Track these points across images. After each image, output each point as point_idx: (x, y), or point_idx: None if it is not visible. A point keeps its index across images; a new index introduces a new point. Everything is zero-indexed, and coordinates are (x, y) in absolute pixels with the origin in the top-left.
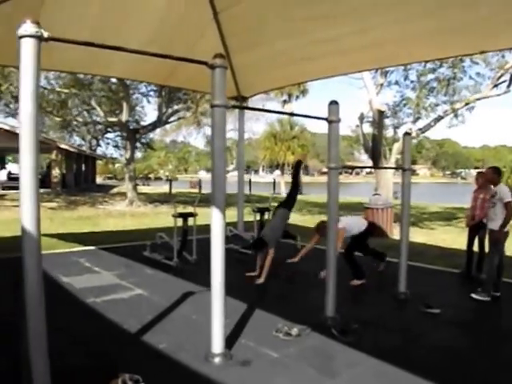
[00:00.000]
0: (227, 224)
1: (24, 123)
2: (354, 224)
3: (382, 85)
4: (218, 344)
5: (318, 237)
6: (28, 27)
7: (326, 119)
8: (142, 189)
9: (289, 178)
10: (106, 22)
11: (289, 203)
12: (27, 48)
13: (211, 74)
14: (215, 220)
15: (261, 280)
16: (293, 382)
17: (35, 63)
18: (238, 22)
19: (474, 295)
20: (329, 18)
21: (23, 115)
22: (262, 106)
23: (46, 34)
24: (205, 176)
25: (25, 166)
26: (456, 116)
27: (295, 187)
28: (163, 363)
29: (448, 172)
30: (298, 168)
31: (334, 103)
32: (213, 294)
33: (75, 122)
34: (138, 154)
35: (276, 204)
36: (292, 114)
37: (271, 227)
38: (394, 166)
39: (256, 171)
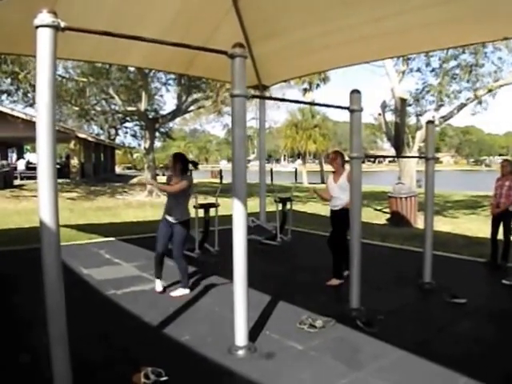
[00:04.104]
0: (249, 214)
1: (41, 112)
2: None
3: (403, 72)
4: (241, 337)
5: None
6: (45, 17)
7: (347, 108)
8: (162, 179)
9: (310, 168)
10: (124, 10)
11: None
12: (44, 38)
13: (231, 63)
14: (237, 210)
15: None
16: (318, 374)
17: (52, 53)
18: (257, 10)
19: (504, 281)
20: (349, 5)
21: (40, 105)
22: (283, 94)
23: (62, 24)
24: (225, 166)
25: (42, 155)
26: (480, 103)
27: None
28: (186, 356)
29: (472, 159)
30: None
31: (355, 92)
32: (235, 286)
33: (93, 111)
34: (158, 144)
35: (297, 194)
36: (312, 104)
37: None
38: (417, 154)
39: (277, 160)
